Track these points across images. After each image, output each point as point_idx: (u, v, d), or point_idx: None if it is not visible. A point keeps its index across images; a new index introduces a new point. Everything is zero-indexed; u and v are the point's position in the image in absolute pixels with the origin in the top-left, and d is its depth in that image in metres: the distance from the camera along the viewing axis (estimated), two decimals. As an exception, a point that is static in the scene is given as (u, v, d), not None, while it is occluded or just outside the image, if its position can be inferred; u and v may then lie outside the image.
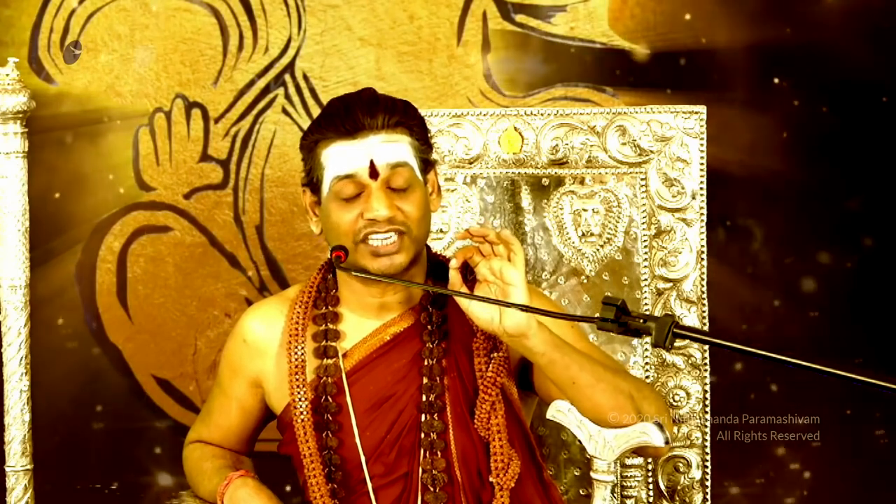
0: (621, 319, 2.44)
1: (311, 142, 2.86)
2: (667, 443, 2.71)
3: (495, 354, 2.85)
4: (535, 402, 3.02)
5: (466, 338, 2.87)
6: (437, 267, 2.93)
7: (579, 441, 2.78)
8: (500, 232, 2.73)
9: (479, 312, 2.72)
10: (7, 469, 3.05)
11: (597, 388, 2.75)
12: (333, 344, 2.90)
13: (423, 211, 2.84)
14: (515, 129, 3.35)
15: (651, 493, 3.33)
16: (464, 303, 2.73)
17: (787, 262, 4.12)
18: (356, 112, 2.82)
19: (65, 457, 4.10)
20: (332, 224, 2.83)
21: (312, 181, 2.87)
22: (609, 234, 3.33)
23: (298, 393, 2.87)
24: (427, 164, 2.89)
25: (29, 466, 3.05)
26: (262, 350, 2.95)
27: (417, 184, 2.85)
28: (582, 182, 3.35)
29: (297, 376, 2.88)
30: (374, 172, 2.80)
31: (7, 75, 2.97)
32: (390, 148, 2.82)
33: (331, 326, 2.91)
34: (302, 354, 2.89)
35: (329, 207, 2.84)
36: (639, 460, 3.25)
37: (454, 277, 2.76)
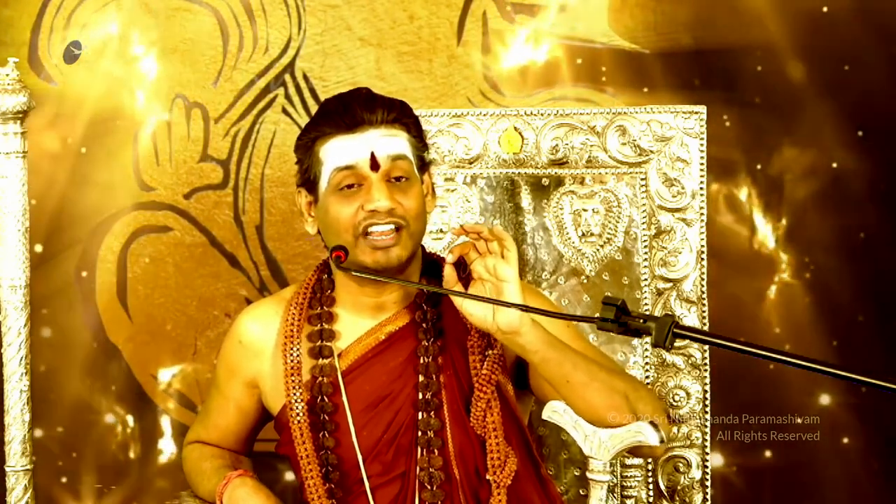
0: (621, 319, 2.44)
1: (309, 140, 2.87)
2: (661, 442, 2.71)
3: (490, 352, 2.85)
4: (531, 400, 3.01)
5: (461, 335, 2.87)
6: (431, 266, 2.93)
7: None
8: (493, 228, 2.73)
9: (473, 310, 2.72)
10: (7, 469, 3.04)
11: (591, 386, 2.74)
12: (329, 344, 2.89)
13: (421, 206, 2.85)
14: (515, 129, 3.35)
15: (651, 493, 3.33)
16: (457, 300, 2.73)
17: (788, 261, 4.11)
18: (355, 107, 2.83)
19: (65, 457, 4.10)
20: (331, 219, 2.83)
21: (309, 179, 2.87)
22: (609, 234, 3.33)
23: (294, 393, 2.87)
24: (423, 164, 2.89)
25: (29, 466, 3.04)
26: (258, 351, 2.95)
27: (415, 179, 2.85)
28: (582, 182, 3.34)
29: (293, 377, 2.87)
30: (374, 164, 2.81)
31: (7, 75, 2.97)
32: (390, 141, 2.83)
33: (326, 326, 2.90)
34: (297, 355, 2.88)
35: (328, 201, 2.84)
36: (639, 460, 3.25)
37: (449, 273, 2.76)
